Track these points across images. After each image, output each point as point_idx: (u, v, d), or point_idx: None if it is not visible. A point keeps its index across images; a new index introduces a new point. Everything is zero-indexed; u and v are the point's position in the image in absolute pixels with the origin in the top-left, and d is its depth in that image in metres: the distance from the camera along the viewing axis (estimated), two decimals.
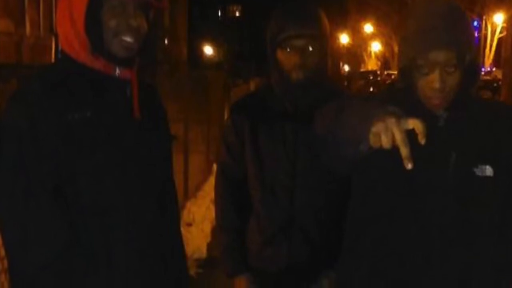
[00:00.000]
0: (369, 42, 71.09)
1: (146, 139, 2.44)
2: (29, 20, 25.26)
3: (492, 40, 47.68)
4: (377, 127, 1.93)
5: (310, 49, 3.07)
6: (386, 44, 63.07)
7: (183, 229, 3.15)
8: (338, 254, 2.68)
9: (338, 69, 61.23)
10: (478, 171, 2.31)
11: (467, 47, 2.30)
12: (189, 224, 8.62)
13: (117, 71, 2.35)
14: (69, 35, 2.32)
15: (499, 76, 33.67)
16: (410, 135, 1.92)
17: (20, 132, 2.18)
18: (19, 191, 2.19)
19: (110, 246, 2.31)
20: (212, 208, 4.66)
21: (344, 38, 70.88)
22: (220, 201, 3.41)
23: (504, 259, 2.40)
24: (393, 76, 43.05)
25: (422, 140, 1.91)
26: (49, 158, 2.20)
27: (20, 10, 24.74)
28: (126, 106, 2.38)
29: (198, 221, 8.82)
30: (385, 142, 1.91)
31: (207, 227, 8.56)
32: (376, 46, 69.96)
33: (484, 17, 46.41)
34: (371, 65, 72.19)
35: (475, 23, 45.85)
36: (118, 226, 2.33)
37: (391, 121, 1.91)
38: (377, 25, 61.14)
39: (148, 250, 2.41)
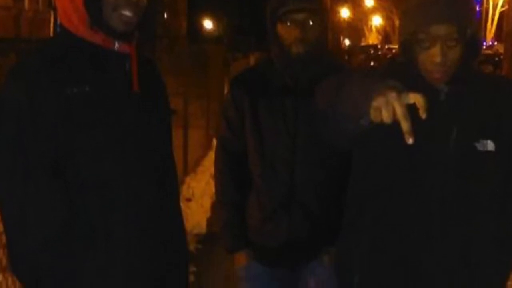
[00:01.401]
0: (369, 16, 71.00)
1: (146, 113, 2.42)
2: None
3: (493, 14, 47.60)
4: (378, 102, 1.93)
5: (310, 23, 3.06)
6: (387, 18, 62.99)
7: (182, 205, 3.15)
8: (338, 230, 2.68)
9: (339, 43, 61.02)
10: (479, 146, 2.31)
11: (468, 21, 2.29)
12: (189, 199, 8.63)
13: (116, 45, 2.34)
14: (68, 9, 2.30)
15: (501, 50, 33.60)
16: (411, 109, 1.91)
17: (19, 108, 2.17)
18: (17, 169, 2.19)
19: (109, 222, 2.31)
20: (212, 183, 4.66)
21: (344, 12, 70.61)
22: (219, 176, 3.41)
23: (504, 234, 2.41)
24: (394, 50, 43.05)
25: (423, 115, 1.91)
26: (48, 133, 2.18)
27: None
28: (125, 80, 2.36)
29: (198, 196, 8.83)
30: (386, 117, 1.91)
31: (207, 202, 8.57)
32: (377, 20, 69.87)
33: None
34: (372, 39, 72.10)
35: None
36: (117, 202, 2.32)
37: (392, 96, 1.91)
38: None
39: (148, 226, 2.41)
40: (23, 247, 2.23)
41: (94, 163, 2.26)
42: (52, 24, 25.60)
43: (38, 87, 2.18)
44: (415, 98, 1.91)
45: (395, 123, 1.91)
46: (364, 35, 74.80)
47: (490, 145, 2.31)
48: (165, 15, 32.91)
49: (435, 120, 2.12)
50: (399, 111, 1.89)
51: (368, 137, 2.23)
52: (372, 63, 39.45)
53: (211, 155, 6.72)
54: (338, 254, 2.68)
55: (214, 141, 5.61)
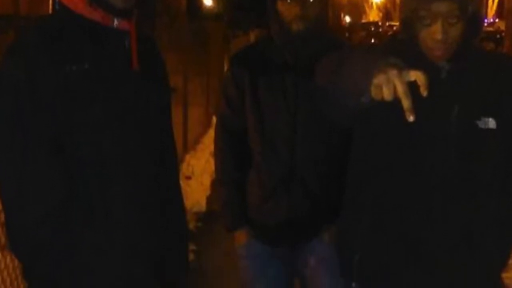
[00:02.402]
0: None
1: (145, 91, 2.41)
2: None
3: None
4: (379, 79, 1.92)
5: (311, 0, 3.04)
6: None
7: (182, 183, 3.14)
8: (339, 208, 2.68)
9: (339, 20, 60.88)
10: (480, 124, 2.30)
11: None
12: (188, 177, 8.64)
13: (116, 22, 2.32)
14: None
15: (502, 27, 33.49)
16: (412, 87, 1.90)
17: (17, 85, 2.16)
18: (16, 145, 2.18)
19: (108, 199, 2.30)
20: (212, 161, 4.66)
21: None
22: (219, 154, 3.41)
23: (506, 213, 2.40)
24: (394, 28, 42.95)
25: (424, 92, 1.90)
26: (47, 110, 2.17)
27: None
28: (124, 58, 2.35)
29: (198, 174, 8.84)
30: (387, 94, 1.90)
31: (207, 180, 8.57)
32: None
33: None
34: (373, 16, 71.91)
35: None
36: (116, 179, 2.31)
37: (393, 73, 1.90)
38: None
39: (147, 203, 2.41)
40: (21, 225, 2.23)
41: (93, 140, 2.26)
42: (51, 1, 25.51)
43: (36, 64, 2.16)
44: (416, 76, 1.91)
45: (396, 101, 1.90)
46: (364, 12, 74.57)
47: (491, 123, 2.31)
48: None
49: (436, 97, 2.11)
50: (400, 89, 1.88)
51: (368, 115, 2.22)
52: (372, 41, 39.36)
53: (211, 132, 6.72)
54: (338, 232, 2.68)
55: (214, 119, 5.60)
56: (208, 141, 10.41)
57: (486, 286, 2.42)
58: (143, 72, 2.39)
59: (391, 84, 1.90)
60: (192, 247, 5.93)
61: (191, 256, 5.63)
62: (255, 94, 3.20)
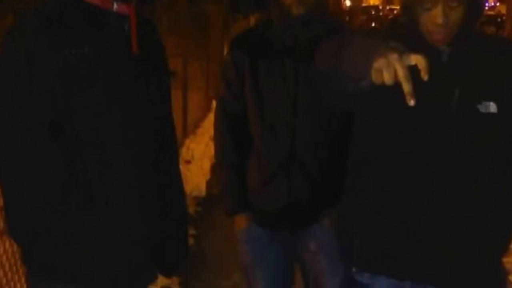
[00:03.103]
0: None
1: (145, 75, 2.41)
2: None
3: None
4: (379, 63, 1.92)
5: None
6: None
7: (182, 167, 3.15)
8: (339, 193, 2.67)
9: (339, 4, 60.63)
10: (481, 108, 2.30)
11: None
12: (188, 162, 8.63)
13: (115, 6, 2.32)
14: None
15: (503, 11, 33.51)
16: (413, 71, 1.90)
17: (17, 68, 2.16)
18: (15, 130, 2.18)
19: (108, 184, 2.30)
20: (211, 145, 4.66)
21: None
22: (219, 138, 3.40)
23: (506, 197, 2.40)
24: (395, 11, 42.81)
25: (424, 76, 1.91)
26: (47, 94, 2.17)
27: None
28: (124, 41, 2.34)
29: (197, 159, 8.84)
30: (387, 78, 1.90)
31: (206, 164, 8.57)
32: None
33: None
34: (373, 0, 71.69)
35: None
36: (116, 163, 2.31)
37: (393, 57, 1.90)
38: None
39: (147, 187, 2.40)
40: (21, 210, 2.23)
41: (92, 123, 2.26)
42: None
43: (36, 47, 2.16)
44: (416, 60, 1.91)
45: (396, 85, 1.90)
46: None
47: (492, 107, 2.30)
48: None
49: (436, 81, 2.10)
50: (401, 73, 1.89)
51: (369, 99, 2.22)
52: (373, 24, 39.28)
53: (211, 117, 6.74)
54: (338, 217, 2.68)
55: (214, 103, 5.60)
56: (208, 125, 10.41)
57: (487, 270, 2.42)
58: (142, 56, 2.39)
59: (391, 68, 1.90)
60: (191, 231, 5.95)
61: (191, 241, 5.63)
62: (255, 78, 3.19)
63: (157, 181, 2.47)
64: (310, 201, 3.18)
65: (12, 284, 3.83)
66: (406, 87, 1.88)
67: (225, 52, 4.00)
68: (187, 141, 9.51)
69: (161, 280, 4.12)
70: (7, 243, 3.70)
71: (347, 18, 42.71)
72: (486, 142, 2.33)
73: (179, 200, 2.68)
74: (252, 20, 20.78)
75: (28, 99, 2.16)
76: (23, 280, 3.66)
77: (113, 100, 2.29)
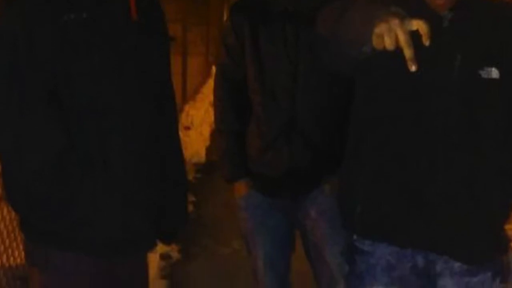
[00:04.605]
0: None
1: (144, 40, 2.39)
2: None
3: None
4: (380, 29, 1.90)
5: None
6: None
7: (181, 133, 3.14)
8: (340, 159, 2.65)
9: None
10: (483, 73, 2.28)
11: None
12: (188, 128, 8.64)
13: None
14: None
15: None
16: (414, 36, 1.89)
17: (14, 35, 2.15)
18: (13, 97, 2.17)
19: (106, 149, 2.29)
20: (211, 111, 4.65)
21: None
22: (219, 104, 3.39)
23: (509, 164, 2.39)
24: None
25: (426, 42, 1.89)
26: (45, 61, 2.17)
27: None
28: (123, 8, 2.33)
29: (197, 125, 8.84)
30: (389, 44, 1.89)
31: (206, 130, 8.58)
32: None
33: None
34: None
35: None
36: (115, 129, 2.30)
37: (395, 22, 1.88)
38: None
39: (146, 154, 2.40)
40: (18, 176, 2.22)
41: (91, 89, 2.25)
42: None
43: (34, 14, 2.15)
44: (418, 25, 1.89)
45: (398, 50, 1.89)
46: None
47: (494, 73, 2.28)
48: None
49: (438, 47, 2.09)
50: (402, 38, 1.87)
51: (370, 64, 2.20)
52: None
53: (211, 82, 6.71)
54: (339, 184, 2.67)
55: (214, 69, 5.59)
56: (208, 91, 10.40)
57: (488, 237, 2.41)
58: (142, 22, 2.38)
59: (392, 34, 1.88)
60: (191, 198, 5.96)
61: (190, 207, 5.65)
62: (255, 44, 3.18)
63: (157, 147, 2.46)
64: (311, 167, 3.18)
65: (9, 251, 3.84)
66: (408, 53, 1.87)
67: (225, 17, 3.97)
68: (186, 107, 9.51)
69: (161, 247, 4.11)
70: (5, 210, 3.70)
71: None
72: (488, 108, 2.31)
73: (178, 167, 2.67)
74: None
75: (26, 67, 2.16)
76: (21, 247, 3.66)
77: (112, 66, 2.28)
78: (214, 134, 5.49)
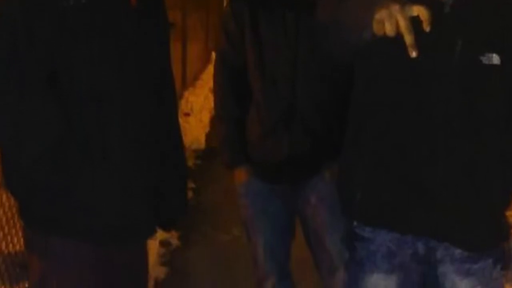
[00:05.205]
0: None
1: (143, 26, 2.39)
2: None
3: None
4: (381, 14, 1.90)
5: None
6: None
7: (181, 119, 3.14)
8: (340, 146, 2.65)
9: None
10: (484, 59, 2.27)
11: None
12: (187, 114, 8.63)
13: None
14: None
15: None
16: (415, 22, 1.88)
17: (14, 20, 2.15)
18: (12, 82, 2.17)
19: (106, 136, 2.29)
20: (211, 98, 4.65)
21: None
22: (219, 90, 3.39)
23: (510, 151, 2.38)
24: None
25: (427, 28, 1.89)
26: (43, 46, 2.17)
27: None
28: None
29: (197, 111, 8.83)
30: (389, 30, 1.89)
31: (206, 117, 8.58)
32: None
33: None
34: None
35: None
36: (114, 115, 2.30)
37: (395, 8, 1.88)
38: None
39: (145, 140, 2.40)
40: (17, 162, 2.23)
41: (90, 76, 2.24)
42: None
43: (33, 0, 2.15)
44: (418, 11, 1.89)
45: (398, 36, 1.89)
46: None
47: (495, 59, 2.27)
48: None
49: (439, 33, 2.08)
50: (402, 24, 1.87)
51: (370, 51, 2.20)
52: None
53: (210, 68, 6.71)
54: (339, 171, 2.67)
55: (213, 55, 5.58)
56: (207, 77, 10.37)
57: (489, 224, 2.41)
58: (141, 9, 2.37)
59: (393, 19, 1.88)
60: (190, 184, 5.95)
61: (190, 194, 5.65)
62: (255, 30, 3.18)
63: (156, 134, 2.46)
64: (311, 154, 3.18)
65: (8, 238, 3.84)
66: (408, 39, 1.87)
67: (225, 3, 3.96)
68: (186, 94, 9.49)
69: (160, 234, 4.12)
70: (4, 197, 3.69)
71: None
72: (489, 94, 2.31)
73: (178, 153, 2.67)
74: None
75: (25, 51, 2.15)
76: (20, 234, 3.66)
77: (111, 52, 2.28)
78: (213, 121, 5.50)
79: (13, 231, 3.86)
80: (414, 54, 1.88)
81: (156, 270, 4.94)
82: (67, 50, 2.19)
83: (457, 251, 2.38)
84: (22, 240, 2.75)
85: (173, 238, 5.46)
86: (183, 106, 8.75)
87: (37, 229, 2.33)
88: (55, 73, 2.20)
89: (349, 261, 2.55)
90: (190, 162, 6.86)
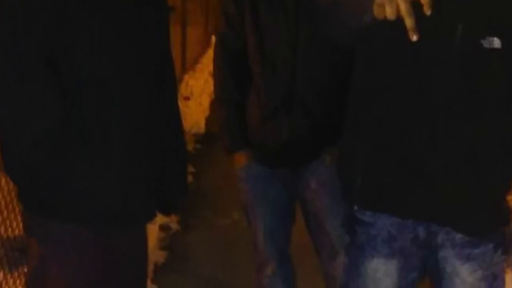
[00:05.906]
0: None
1: (143, 11, 2.39)
2: None
3: None
4: None
5: None
6: None
7: (180, 103, 3.13)
8: (340, 130, 2.65)
9: None
10: (485, 43, 2.26)
11: None
12: (187, 98, 8.62)
13: None
14: None
15: None
16: (415, 5, 1.87)
17: (12, 6, 2.15)
18: (11, 67, 2.17)
19: (105, 120, 2.29)
20: (211, 81, 4.64)
21: None
22: (219, 74, 3.38)
23: (511, 135, 2.38)
24: None
25: (427, 11, 1.88)
26: (42, 31, 2.16)
27: None
28: None
29: (196, 95, 8.82)
30: (390, 13, 1.88)
31: (206, 101, 8.56)
32: None
33: None
34: None
35: None
36: (114, 100, 2.30)
37: None
38: None
39: (145, 125, 2.40)
40: (16, 146, 2.23)
41: (90, 60, 2.24)
42: None
43: None
44: None
45: (399, 20, 1.88)
46: None
47: (496, 42, 2.26)
48: None
49: (440, 16, 2.06)
50: (403, 7, 1.86)
51: (371, 34, 2.19)
52: None
53: (210, 52, 6.68)
54: (339, 155, 2.67)
55: (213, 38, 5.59)
56: (207, 61, 10.34)
57: (490, 208, 2.41)
58: None
59: (394, 3, 1.87)
60: (190, 169, 5.95)
61: (190, 178, 5.65)
62: (255, 13, 3.16)
63: (156, 118, 2.46)
64: (311, 138, 3.18)
65: (7, 222, 3.83)
66: (409, 22, 1.86)
67: None
68: (186, 77, 9.48)
69: (160, 218, 4.13)
70: (3, 181, 3.69)
71: None
72: (489, 78, 2.30)
73: (178, 137, 2.68)
74: None
75: (24, 36, 2.15)
76: (19, 218, 3.65)
77: (110, 37, 2.28)
78: (213, 105, 5.48)
79: (12, 215, 3.86)
80: (414, 38, 1.87)
81: (155, 254, 4.94)
82: (66, 35, 2.19)
83: (458, 236, 2.38)
84: (21, 224, 2.74)
85: (173, 222, 5.46)
86: (183, 90, 8.74)
87: (36, 213, 2.33)
88: (54, 59, 2.19)
89: (349, 246, 2.54)
90: (190, 146, 6.85)
